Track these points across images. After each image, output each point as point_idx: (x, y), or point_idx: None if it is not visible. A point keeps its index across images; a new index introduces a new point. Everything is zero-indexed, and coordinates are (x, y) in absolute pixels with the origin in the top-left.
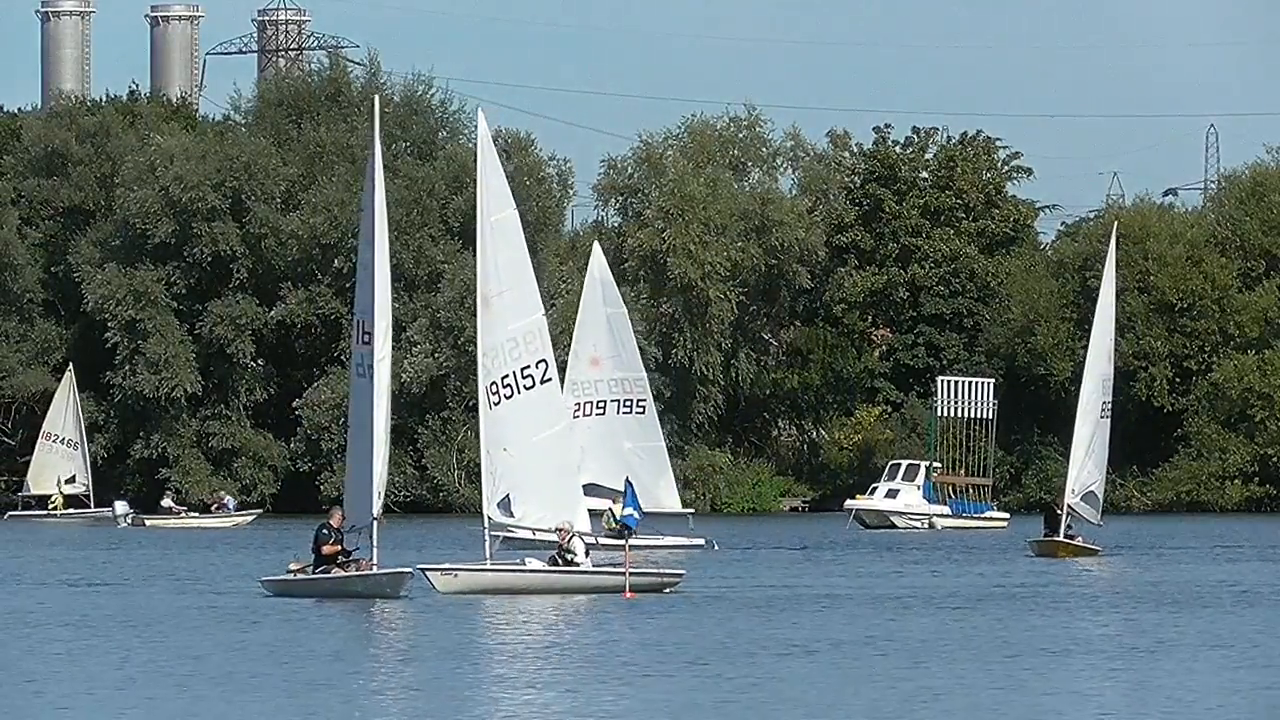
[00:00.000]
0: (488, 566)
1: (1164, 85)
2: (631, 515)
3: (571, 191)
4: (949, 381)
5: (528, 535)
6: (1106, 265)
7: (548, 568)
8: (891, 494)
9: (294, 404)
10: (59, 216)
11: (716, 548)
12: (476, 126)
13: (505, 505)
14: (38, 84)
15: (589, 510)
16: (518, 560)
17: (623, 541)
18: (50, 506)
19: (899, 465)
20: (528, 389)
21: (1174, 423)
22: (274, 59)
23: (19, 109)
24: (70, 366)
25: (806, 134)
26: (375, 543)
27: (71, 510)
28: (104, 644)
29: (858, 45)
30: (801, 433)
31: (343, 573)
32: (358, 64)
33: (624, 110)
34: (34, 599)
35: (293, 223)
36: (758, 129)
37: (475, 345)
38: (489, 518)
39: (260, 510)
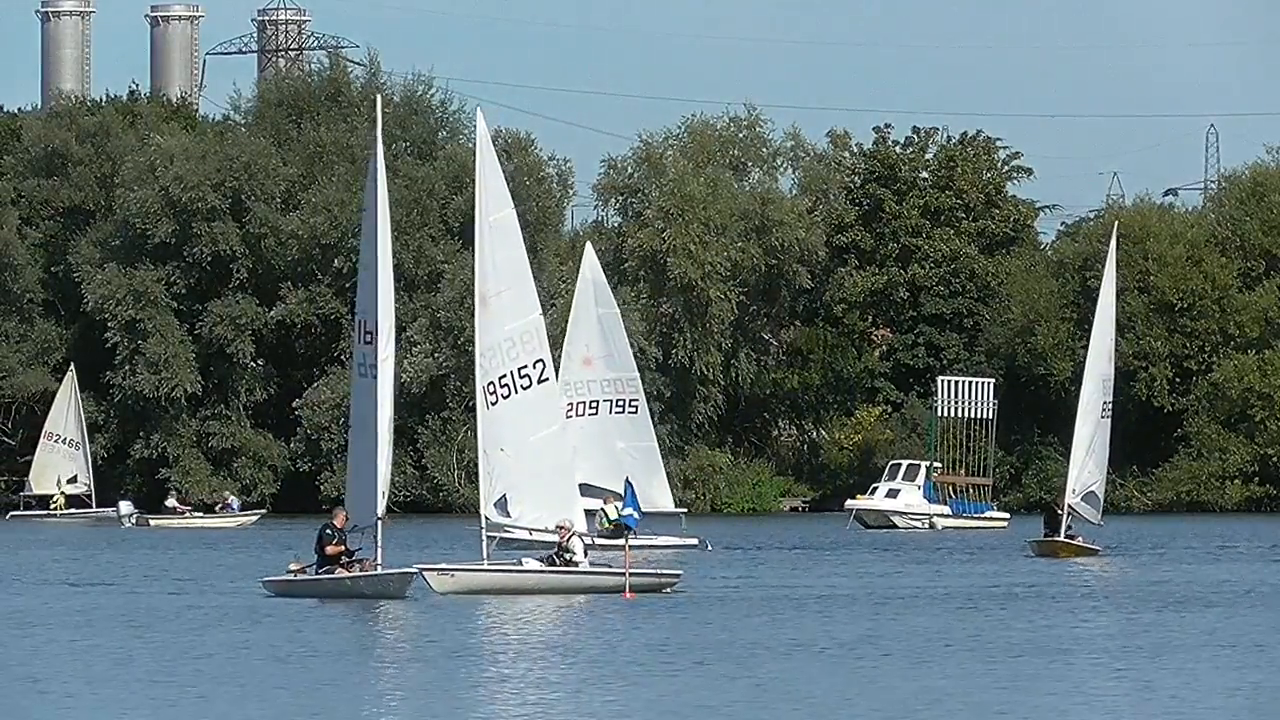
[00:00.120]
0: (485, 567)
1: (1164, 85)
2: (631, 515)
3: (571, 191)
4: (949, 381)
5: (524, 535)
6: (1106, 265)
7: (545, 568)
8: (892, 494)
9: (294, 404)
10: (59, 216)
11: (710, 548)
12: (476, 126)
13: (502, 505)
14: (38, 84)
15: (584, 510)
16: (514, 560)
17: (616, 541)
18: (52, 506)
19: (899, 465)
20: (525, 389)
21: (1174, 423)
22: (274, 59)
23: (19, 109)
24: (72, 366)
25: (806, 134)
26: (380, 543)
27: (73, 510)
28: (106, 644)
29: (858, 45)
30: (801, 433)
31: (346, 573)
32: (358, 64)
33: (624, 110)
34: (40, 599)
35: (293, 223)
36: (758, 129)
37: (474, 345)
38: (486, 518)
39: (264, 510)
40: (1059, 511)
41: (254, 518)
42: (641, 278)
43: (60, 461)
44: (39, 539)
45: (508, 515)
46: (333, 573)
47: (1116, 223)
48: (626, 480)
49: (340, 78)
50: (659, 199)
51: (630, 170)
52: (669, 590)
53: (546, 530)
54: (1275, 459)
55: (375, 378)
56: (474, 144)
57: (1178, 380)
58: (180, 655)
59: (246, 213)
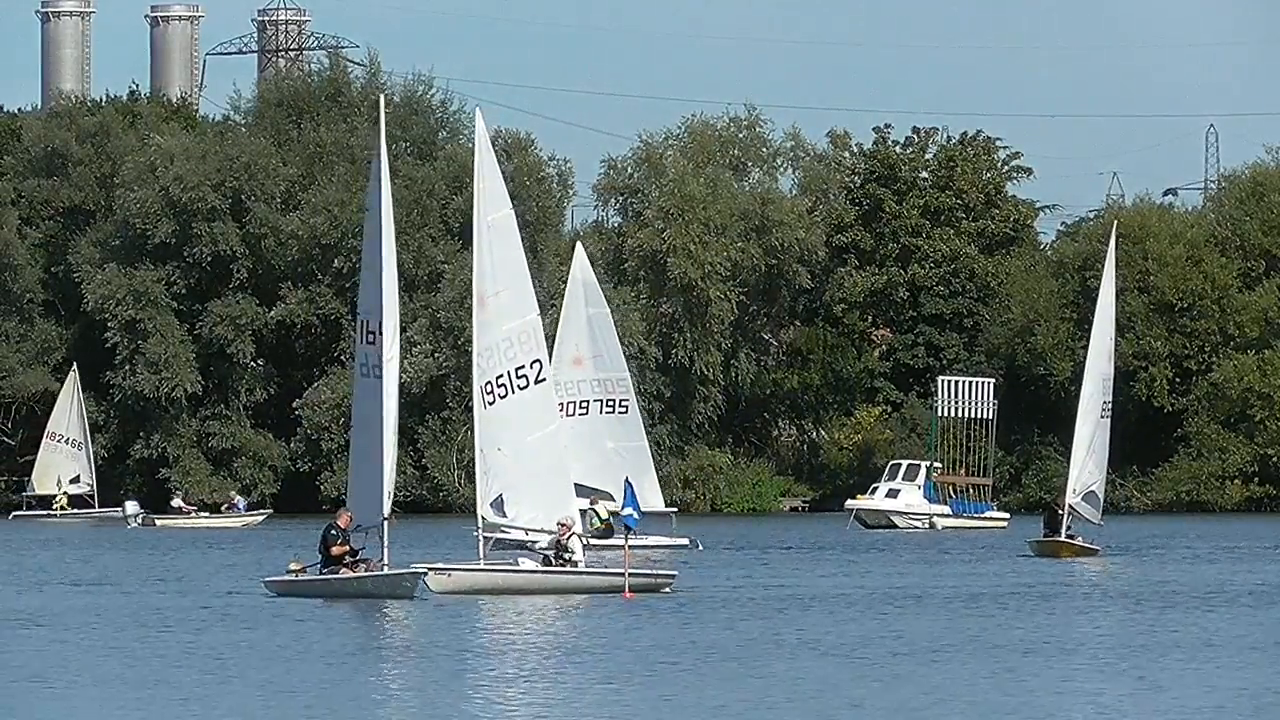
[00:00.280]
0: (482, 566)
1: (1164, 85)
2: (631, 515)
3: (571, 191)
4: (949, 381)
5: (520, 537)
6: (1106, 265)
7: (542, 568)
8: (892, 494)
9: (294, 404)
10: (59, 216)
11: (700, 548)
12: (476, 126)
13: (498, 505)
14: (38, 84)
15: (578, 510)
16: (510, 560)
17: (606, 541)
18: (54, 506)
19: (899, 465)
20: (521, 389)
21: (1174, 423)
22: (274, 59)
23: (19, 109)
24: (75, 366)
25: (806, 134)
26: (386, 543)
27: (76, 510)
28: (109, 644)
29: (858, 45)
30: (801, 433)
31: (351, 573)
32: (358, 64)
33: (624, 110)
34: (49, 599)
35: (293, 223)
36: (758, 129)
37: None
38: (483, 518)
39: (270, 511)
40: (1059, 511)
41: (260, 518)
42: (641, 278)
43: (63, 461)
44: (46, 539)
45: (504, 515)
46: (336, 573)
47: (1116, 223)
48: (626, 480)
49: (340, 78)
50: (659, 199)
51: (630, 170)
52: (666, 590)
53: (544, 530)
54: (1275, 459)
55: (379, 378)
56: (474, 144)
57: (1178, 380)
58: (184, 655)
59: (246, 213)
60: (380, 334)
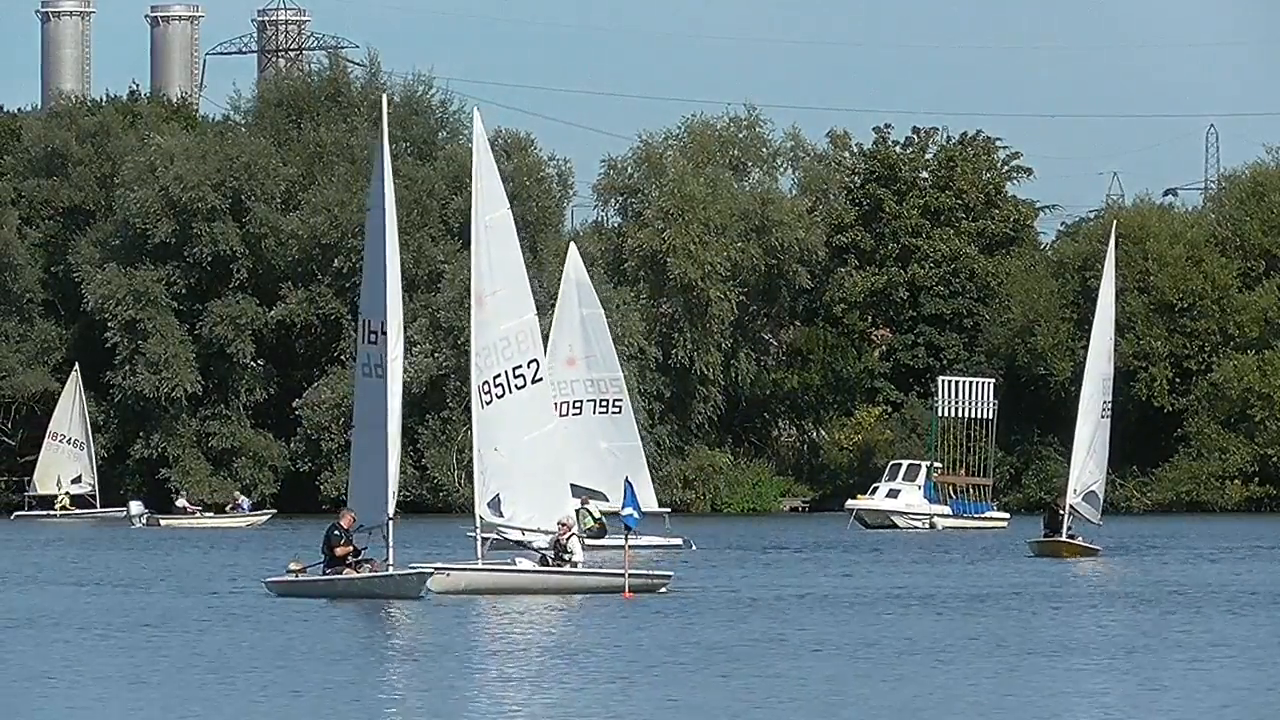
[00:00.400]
0: (480, 566)
1: (1164, 85)
2: (632, 515)
3: (571, 191)
4: (949, 381)
5: (518, 537)
6: (1106, 265)
7: (540, 568)
8: (892, 494)
9: (294, 404)
10: (59, 216)
11: (694, 547)
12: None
13: (495, 505)
14: (38, 84)
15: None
16: (509, 560)
17: (599, 541)
18: (56, 506)
19: (899, 465)
20: (519, 389)
21: (1174, 423)
22: (274, 59)
23: (19, 109)
24: (77, 366)
25: (806, 134)
26: (390, 543)
27: (78, 510)
28: (110, 645)
29: (858, 45)
30: (801, 433)
31: (354, 573)
32: (358, 64)
33: (624, 110)
34: (49, 599)
35: (293, 223)
36: (758, 129)
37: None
38: (480, 518)
39: (274, 511)
40: (1060, 512)
41: (264, 518)
42: (641, 278)
43: (65, 461)
44: (52, 539)
45: (501, 515)
46: (339, 573)
47: (1116, 223)
48: (626, 480)
49: (340, 78)
50: (659, 199)
51: (630, 170)
52: (662, 591)
53: (541, 530)
54: (1275, 459)
55: (382, 377)
56: (473, 144)
57: (1178, 380)
58: (187, 655)
59: (246, 213)
60: (382, 333)
